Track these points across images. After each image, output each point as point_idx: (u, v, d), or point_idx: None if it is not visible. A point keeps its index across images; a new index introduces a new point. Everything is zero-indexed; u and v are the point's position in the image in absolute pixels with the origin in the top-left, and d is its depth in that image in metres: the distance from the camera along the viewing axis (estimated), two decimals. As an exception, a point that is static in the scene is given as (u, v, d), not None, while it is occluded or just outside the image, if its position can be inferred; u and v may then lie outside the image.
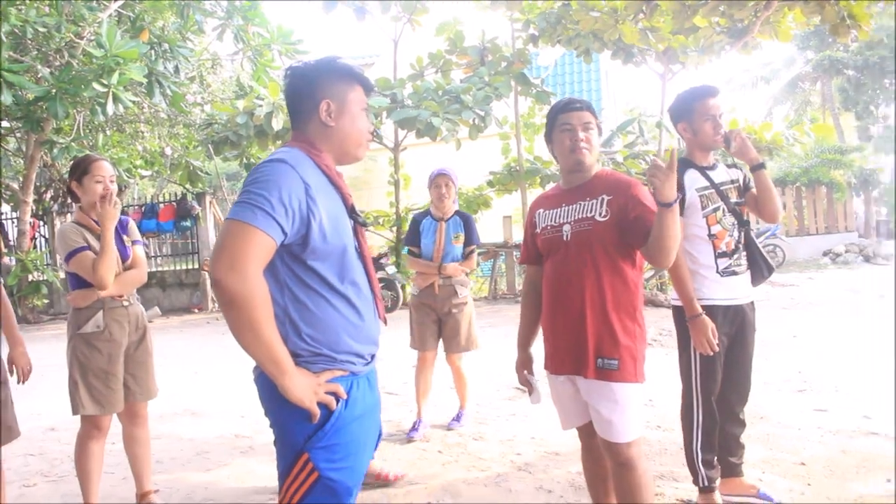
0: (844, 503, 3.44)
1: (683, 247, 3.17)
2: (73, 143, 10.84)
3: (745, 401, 3.44)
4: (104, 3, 9.80)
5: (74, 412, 3.36)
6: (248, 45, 11.63)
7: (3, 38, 8.26)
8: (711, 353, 3.14)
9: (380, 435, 2.10)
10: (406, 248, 5.20)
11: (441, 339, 4.98)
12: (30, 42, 9.39)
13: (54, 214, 15.07)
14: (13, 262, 12.60)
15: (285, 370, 1.77)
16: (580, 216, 2.69)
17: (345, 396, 1.89)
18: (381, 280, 11.65)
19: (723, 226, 3.27)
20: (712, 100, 3.27)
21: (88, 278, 3.26)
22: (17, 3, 8.82)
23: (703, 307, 3.15)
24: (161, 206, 14.84)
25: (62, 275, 11.67)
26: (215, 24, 11.65)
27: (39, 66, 9.04)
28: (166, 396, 5.00)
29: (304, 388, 1.80)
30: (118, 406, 3.40)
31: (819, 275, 15.02)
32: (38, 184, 14.26)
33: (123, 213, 3.55)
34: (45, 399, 5.74)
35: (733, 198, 3.33)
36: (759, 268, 3.37)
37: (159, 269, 16.34)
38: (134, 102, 10.16)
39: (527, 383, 2.99)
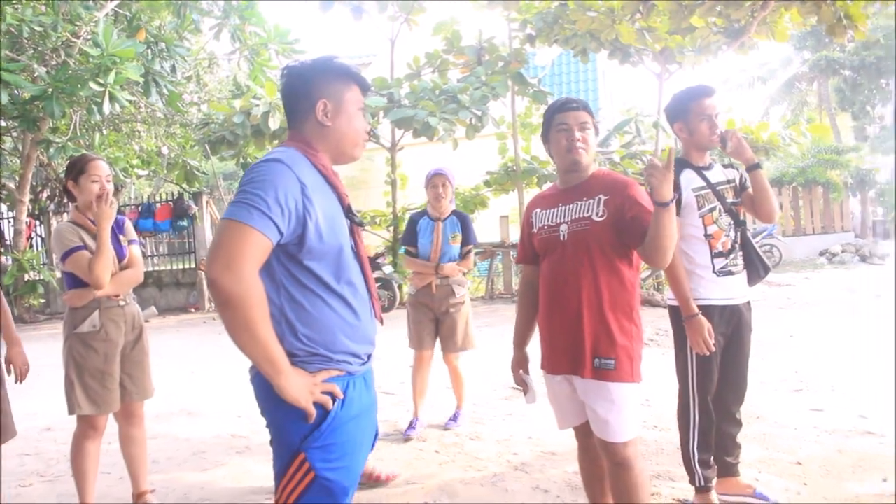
0: (840, 503, 3.44)
1: (680, 247, 3.17)
2: (69, 143, 10.82)
3: (741, 400, 3.44)
4: (101, 2, 9.79)
5: (70, 412, 3.36)
6: (244, 45, 11.62)
7: (0, 37, 8.25)
8: (708, 353, 3.14)
9: (376, 435, 2.10)
10: (403, 247, 5.20)
11: (438, 339, 4.99)
12: (26, 41, 9.37)
13: (51, 214, 15.06)
14: (9, 262, 12.58)
15: (281, 370, 1.77)
16: (577, 216, 2.69)
17: (341, 396, 1.88)
18: (378, 280, 11.65)
19: (719, 226, 3.27)
20: (708, 100, 3.27)
21: (84, 278, 3.25)
22: (14, 2, 8.81)
23: (700, 307, 3.16)
24: (158, 205, 14.84)
25: (59, 274, 11.65)
26: (212, 24, 11.64)
27: (36, 66, 9.03)
28: (163, 396, 4.99)
29: (300, 387, 1.80)
30: (114, 406, 3.39)
31: (815, 275, 15.05)
32: (34, 183, 14.24)
33: (120, 212, 3.55)
34: (41, 399, 5.73)
35: (730, 198, 3.33)
36: (756, 268, 3.38)
37: (156, 268, 16.31)
38: (130, 102, 10.15)
39: (522, 383, 2.99)
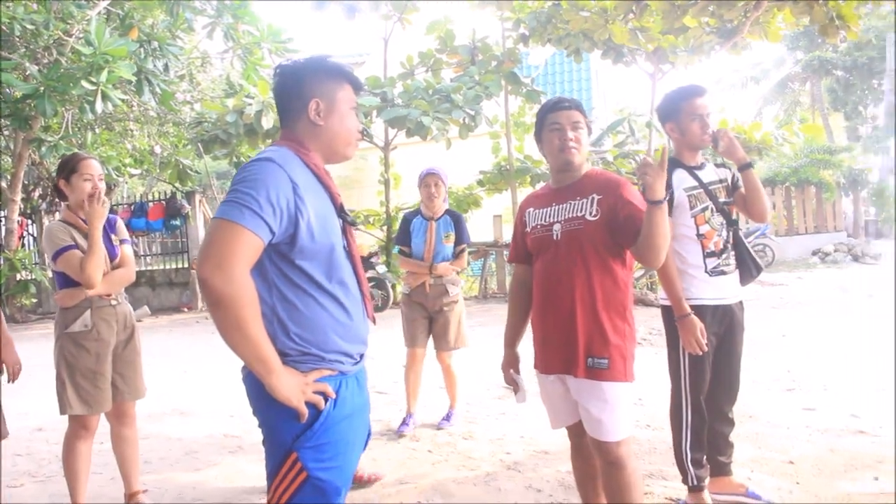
0: (832, 502, 3.45)
1: (672, 247, 3.17)
2: (61, 142, 10.76)
3: (733, 400, 3.45)
4: (93, 0, 9.75)
5: (62, 412, 3.34)
6: (237, 44, 11.57)
7: (-9, 35, 8.21)
8: (700, 353, 3.15)
9: (369, 434, 2.10)
10: (397, 247, 5.20)
11: (431, 337, 4.99)
12: (17, 39, 9.32)
13: (42, 213, 14.99)
14: (1, 261, 12.52)
15: (272, 369, 1.76)
16: (570, 215, 2.69)
17: (333, 396, 1.88)
18: (371, 279, 11.64)
19: (711, 225, 3.28)
20: (699, 99, 3.27)
21: (76, 277, 3.24)
22: (5, 0, 8.76)
23: (692, 307, 3.16)
24: (150, 204, 14.78)
25: (50, 274, 11.60)
26: (205, 22, 11.58)
27: (27, 64, 8.98)
28: (155, 396, 4.98)
29: (292, 387, 1.80)
30: (106, 406, 3.38)
31: (808, 274, 15.10)
32: (26, 182, 14.17)
33: (112, 211, 3.53)
34: (32, 399, 5.71)
35: (722, 197, 3.33)
36: (748, 267, 3.38)
37: (149, 268, 16.27)
38: (123, 100, 10.10)
39: (512, 382, 2.99)
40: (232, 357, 1.78)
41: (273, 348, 1.78)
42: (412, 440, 4.76)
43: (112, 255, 3.44)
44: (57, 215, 10.74)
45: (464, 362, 5.85)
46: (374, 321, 2.12)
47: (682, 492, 3.47)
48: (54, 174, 3.53)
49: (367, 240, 13.15)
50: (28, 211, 14.97)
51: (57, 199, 12.23)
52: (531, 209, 2.89)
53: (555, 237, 2.72)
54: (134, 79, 8.94)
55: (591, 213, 2.64)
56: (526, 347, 2.88)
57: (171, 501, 3.90)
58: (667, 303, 3.25)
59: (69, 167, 3.35)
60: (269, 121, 10.35)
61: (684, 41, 9.84)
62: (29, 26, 8.64)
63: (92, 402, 3.32)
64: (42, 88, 8.11)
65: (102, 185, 3.39)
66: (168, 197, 14.73)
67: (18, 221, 13.19)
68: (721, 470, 3.46)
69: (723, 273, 3.29)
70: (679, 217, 3.25)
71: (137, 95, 10.16)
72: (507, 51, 11.77)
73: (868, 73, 29.96)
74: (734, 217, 3.39)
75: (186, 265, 14.89)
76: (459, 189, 12.98)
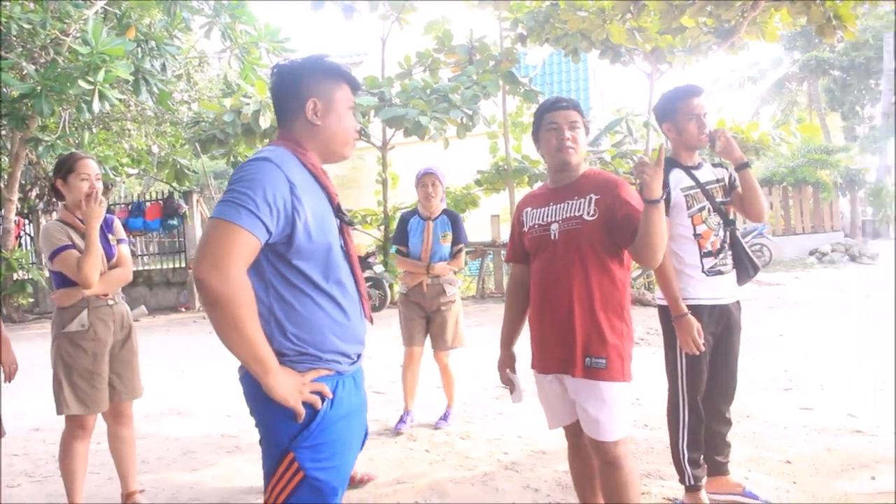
0: (829, 501, 3.45)
1: (669, 246, 3.16)
2: (58, 141, 10.75)
3: (730, 400, 3.45)
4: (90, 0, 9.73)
5: (59, 412, 3.34)
6: (235, 43, 11.56)
7: (-12, 34, 8.19)
8: (697, 353, 3.15)
9: (366, 434, 2.09)
10: (394, 247, 5.20)
11: (429, 336, 5.00)
12: (14, 39, 9.29)
13: (40, 213, 14.97)
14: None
15: (269, 369, 1.76)
16: (568, 215, 2.69)
17: (330, 395, 1.88)
18: (369, 279, 11.64)
19: (708, 225, 3.28)
20: (696, 99, 3.27)
21: (73, 277, 3.24)
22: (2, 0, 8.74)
23: (689, 307, 3.16)
24: (148, 204, 14.78)
25: (47, 273, 11.59)
26: (202, 22, 11.58)
27: (24, 63, 8.96)
28: (152, 396, 4.97)
29: (289, 387, 1.79)
30: (103, 406, 3.38)
31: (805, 274, 15.11)
32: (23, 182, 14.14)
33: (109, 211, 3.53)
34: (29, 399, 5.70)
35: (719, 197, 3.33)
36: (745, 267, 3.38)
37: (146, 267, 16.26)
38: (120, 100, 10.08)
39: (508, 382, 2.99)
40: (229, 357, 1.78)
41: (270, 348, 1.78)
42: (409, 440, 4.75)
43: (109, 254, 3.44)
44: (54, 215, 10.74)
45: (461, 362, 5.85)
46: (371, 321, 2.12)
47: (679, 491, 3.47)
48: (51, 174, 3.52)
49: (365, 239, 13.15)
50: (25, 210, 14.95)
51: (54, 199, 12.24)
52: (528, 209, 2.89)
53: (552, 237, 2.72)
54: (131, 78, 8.92)
55: (588, 213, 2.64)
56: (523, 347, 2.88)
57: (168, 501, 3.90)
58: (664, 303, 3.25)
59: (66, 167, 3.35)
60: (266, 120, 10.35)
61: (682, 41, 9.84)
62: (26, 26, 8.63)
63: (89, 402, 3.32)
64: (39, 88, 8.10)
65: (99, 185, 3.38)
66: (165, 197, 14.72)
67: (15, 221, 13.17)
68: (718, 469, 3.47)
69: (720, 273, 3.29)
70: (676, 217, 3.25)
71: (135, 95, 10.15)
72: (505, 50, 11.77)
73: (865, 73, 30.01)
74: (731, 217, 3.39)
75: (184, 265, 14.88)
76: (457, 189, 12.98)
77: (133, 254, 3.29)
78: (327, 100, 2.00)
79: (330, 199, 1.98)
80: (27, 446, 5.03)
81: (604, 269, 2.65)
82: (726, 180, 3.38)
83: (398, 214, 11.20)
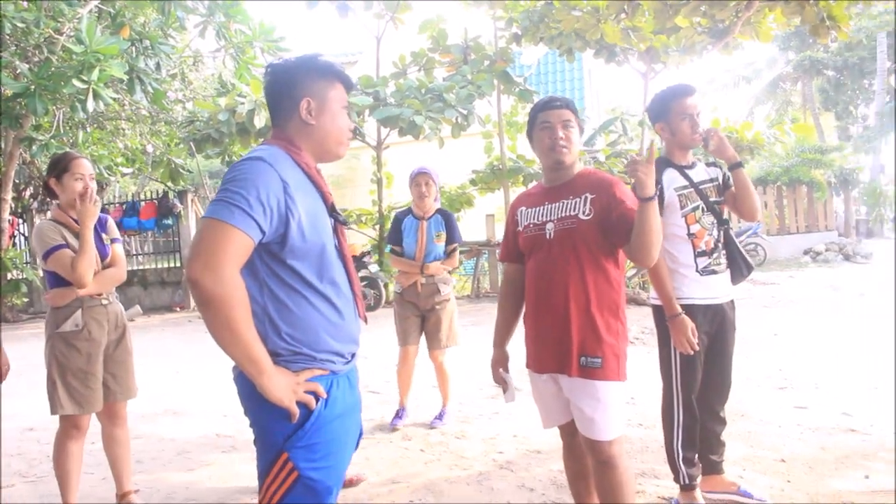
0: (824, 500, 3.46)
1: (663, 246, 3.16)
2: (52, 140, 10.71)
3: (725, 399, 3.46)
4: (84, -2, 9.70)
5: (53, 412, 3.33)
6: (230, 43, 11.53)
7: (-18, 34, 8.15)
8: (691, 353, 3.15)
9: (360, 434, 2.09)
10: (389, 246, 5.21)
11: (423, 335, 5.01)
12: (8, 38, 9.26)
13: (34, 212, 14.92)
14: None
15: (263, 369, 1.76)
16: (563, 214, 2.69)
17: (325, 395, 1.88)
18: (363, 278, 11.64)
19: (702, 225, 3.28)
20: (689, 99, 3.27)
21: (67, 277, 3.23)
22: (-5, -2, 8.71)
23: (683, 306, 3.17)
24: (142, 203, 14.75)
25: (41, 273, 11.55)
26: (197, 21, 11.54)
27: (18, 62, 8.92)
28: (147, 396, 4.96)
29: (283, 387, 1.79)
30: (97, 406, 3.37)
31: (799, 273, 15.14)
32: (17, 181, 14.10)
33: (104, 210, 3.52)
34: (23, 399, 5.68)
35: (712, 196, 3.34)
36: (739, 266, 3.38)
37: (141, 267, 16.21)
38: (114, 99, 10.05)
39: (501, 381, 2.99)
40: (224, 356, 1.78)
41: (264, 348, 1.78)
42: (404, 439, 4.76)
43: (103, 254, 3.43)
44: (48, 214, 10.71)
45: (456, 362, 5.85)
46: (365, 320, 2.12)
47: (673, 490, 3.48)
48: (45, 173, 3.51)
49: (360, 239, 13.14)
50: (19, 210, 14.90)
51: (48, 199, 12.20)
52: (523, 208, 2.89)
53: (548, 236, 2.72)
54: (125, 77, 8.90)
55: (584, 213, 2.65)
56: (516, 346, 2.88)
57: (163, 502, 3.89)
58: (658, 302, 3.26)
59: (60, 166, 3.34)
60: (261, 120, 10.34)
61: (676, 41, 9.84)
62: (19, 24, 8.60)
63: (83, 402, 3.31)
64: (33, 87, 8.07)
65: (94, 185, 3.37)
66: (160, 196, 14.70)
67: (9, 220, 13.12)
68: (713, 468, 3.47)
69: (714, 272, 3.29)
70: (669, 216, 3.25)
71: (129, 94, 10.11)
72: (500, 50, 11.77)
73: (859, 73, 30.12)
74: (725, 216, 3.40)
75: (178, 264, 14.85)
76: (452, 188, 12.99)
77: (127, 253, 3.27)
78: (321, 99, 2.00)
79: (324, 199, 1.98)
80: (21, 446, 5.01)
81: (599, 268, 2.65)
82: (720, 180, 3.39)
83: (393, 214, 11.19)
